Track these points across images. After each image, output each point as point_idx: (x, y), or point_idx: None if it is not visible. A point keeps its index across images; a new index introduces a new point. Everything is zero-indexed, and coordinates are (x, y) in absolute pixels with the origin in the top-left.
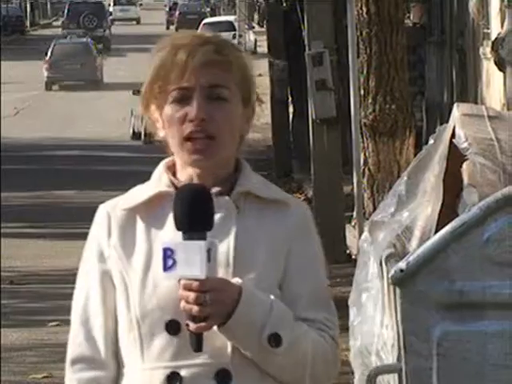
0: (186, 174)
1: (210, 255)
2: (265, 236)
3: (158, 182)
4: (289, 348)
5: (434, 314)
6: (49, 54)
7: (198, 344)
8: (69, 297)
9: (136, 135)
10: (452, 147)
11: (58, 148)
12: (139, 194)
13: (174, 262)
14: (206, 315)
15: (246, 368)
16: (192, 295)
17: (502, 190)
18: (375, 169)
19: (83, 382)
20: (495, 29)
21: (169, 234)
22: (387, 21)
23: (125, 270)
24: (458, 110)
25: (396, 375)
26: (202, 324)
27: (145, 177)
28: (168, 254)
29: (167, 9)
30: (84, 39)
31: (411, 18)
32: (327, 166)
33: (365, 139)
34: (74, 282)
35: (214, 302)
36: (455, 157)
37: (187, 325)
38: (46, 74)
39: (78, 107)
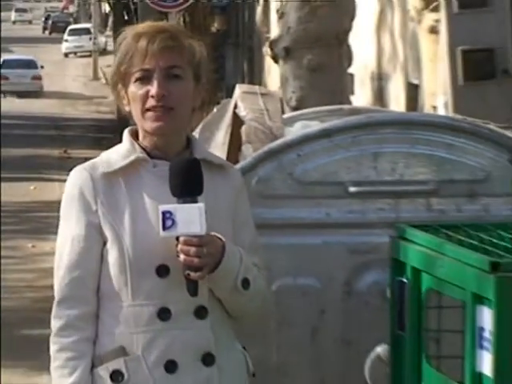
0: (150, 141)
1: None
2: (220, 196)
3: (132, 148)
4: (252, 288)
5: None
6: None
7: (195, 289)
8: None
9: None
10: (235, 115)
11: None
12: (117, 158)
13: (173, 222)
14: (202, 265)
15: (218, 306)
16: (193, 249)
17: (268, 145)
18: None
19: (72, 317)
20: (274, 33)
21: (151, 194)
22: (198, 28)
23: (115, 222)
24: (239, 89)
25: None
26: (200, 273)
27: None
28: (167, 215)
29: (43, 18)
30: None
31: (215, 25)
32: None
33: None
34: None
35: (208, 255)
36: (237, 122)
37: (188, 274)
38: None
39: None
